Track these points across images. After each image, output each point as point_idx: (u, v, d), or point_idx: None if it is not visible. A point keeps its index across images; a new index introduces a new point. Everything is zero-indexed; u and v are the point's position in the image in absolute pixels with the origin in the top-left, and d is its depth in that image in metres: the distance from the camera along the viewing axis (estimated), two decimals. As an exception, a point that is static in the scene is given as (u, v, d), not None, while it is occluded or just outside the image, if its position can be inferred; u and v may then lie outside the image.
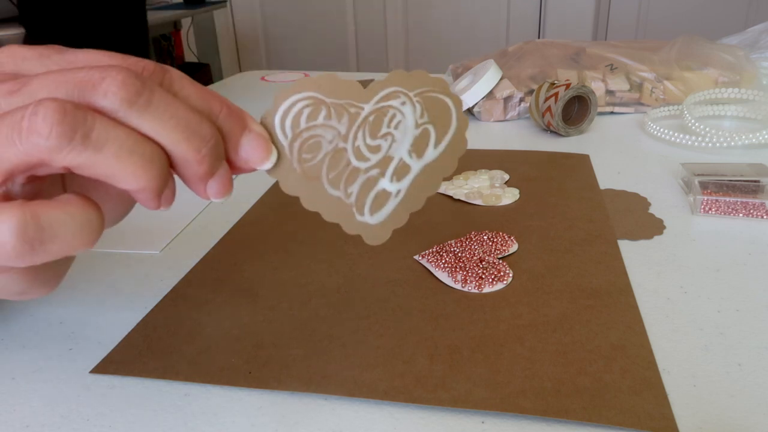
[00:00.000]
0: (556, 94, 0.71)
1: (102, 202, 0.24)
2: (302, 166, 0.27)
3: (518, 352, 0.34)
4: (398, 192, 0.28)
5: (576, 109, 0.74)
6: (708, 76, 0.81)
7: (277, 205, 0.56)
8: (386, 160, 0.28)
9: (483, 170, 0.61)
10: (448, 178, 0.60)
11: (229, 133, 0.25)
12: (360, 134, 0.27)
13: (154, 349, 0.36)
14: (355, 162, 0.28)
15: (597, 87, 0.80)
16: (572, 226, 0.49)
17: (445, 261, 0.44)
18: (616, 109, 0.81)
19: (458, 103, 0.28)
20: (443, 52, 2.62)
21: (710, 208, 0.51)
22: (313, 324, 0.38)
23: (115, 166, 0.22)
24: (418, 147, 0.28)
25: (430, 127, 0.28)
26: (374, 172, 0.28)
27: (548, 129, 0.74)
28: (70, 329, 0.39)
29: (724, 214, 0.51)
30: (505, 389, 0.32)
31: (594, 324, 0.37)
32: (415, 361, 0.34)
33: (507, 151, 0.68)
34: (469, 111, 0.82)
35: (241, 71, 2.72)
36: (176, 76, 0.24)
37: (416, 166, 0.28)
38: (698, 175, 0.54)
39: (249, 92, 1.04)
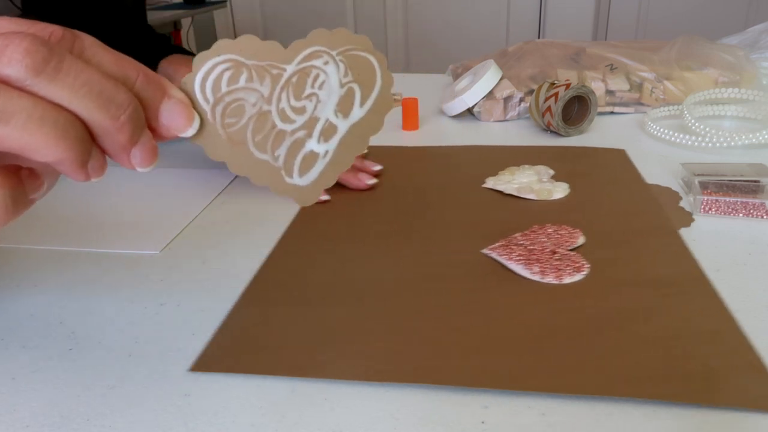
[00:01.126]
0: (556, 94, 0.71)
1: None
2: (226, 131, 0.27)
3: (616, 337, 0.35)
4: (326, 153, 0.28)
5: (576, 109, 0.74)
6: (708, 76, 0.81)
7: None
8: (312, 121, 0.28)
9: (526, 165, 0.61)
10: (492, 174, 0.60)
11: (148, 100, 0.24)
12: (284, 96, 0.27)
13: (246, 348, 0.36)
14: (280, 124, 0.27)
15: (597, 87, 0.80)
16: (629, 218, 0.50)
17: (518, 254, 0.44)
18: (616, 109, 0.81)
19: (382, 60, 0.28)
20: (443, 52, 2.62)
21: (710, 208, 0.51)
22: (394, 318, 0.38)
23: (25, 137, 0.21)
24: (344, 106, 0.28)
25: (355, 86, 0.28)
26: (301, 133, 0.28)
27: (548, 129, 0.74)
28: (70, 329, 0.39)
29: (724, 214, 0.51)
30: (611, 373, 0.32)
31: (683, 311, 0.37)
32: (513, 350, 0.35)
33: (538, 147, 0.69)
34: (470, 111, 0.82)
35: (241, 71, 2.72)
36: (88, 42, 0.23)
37: (343, 125, 0.28)
38: (698, 175, 0.54)
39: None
